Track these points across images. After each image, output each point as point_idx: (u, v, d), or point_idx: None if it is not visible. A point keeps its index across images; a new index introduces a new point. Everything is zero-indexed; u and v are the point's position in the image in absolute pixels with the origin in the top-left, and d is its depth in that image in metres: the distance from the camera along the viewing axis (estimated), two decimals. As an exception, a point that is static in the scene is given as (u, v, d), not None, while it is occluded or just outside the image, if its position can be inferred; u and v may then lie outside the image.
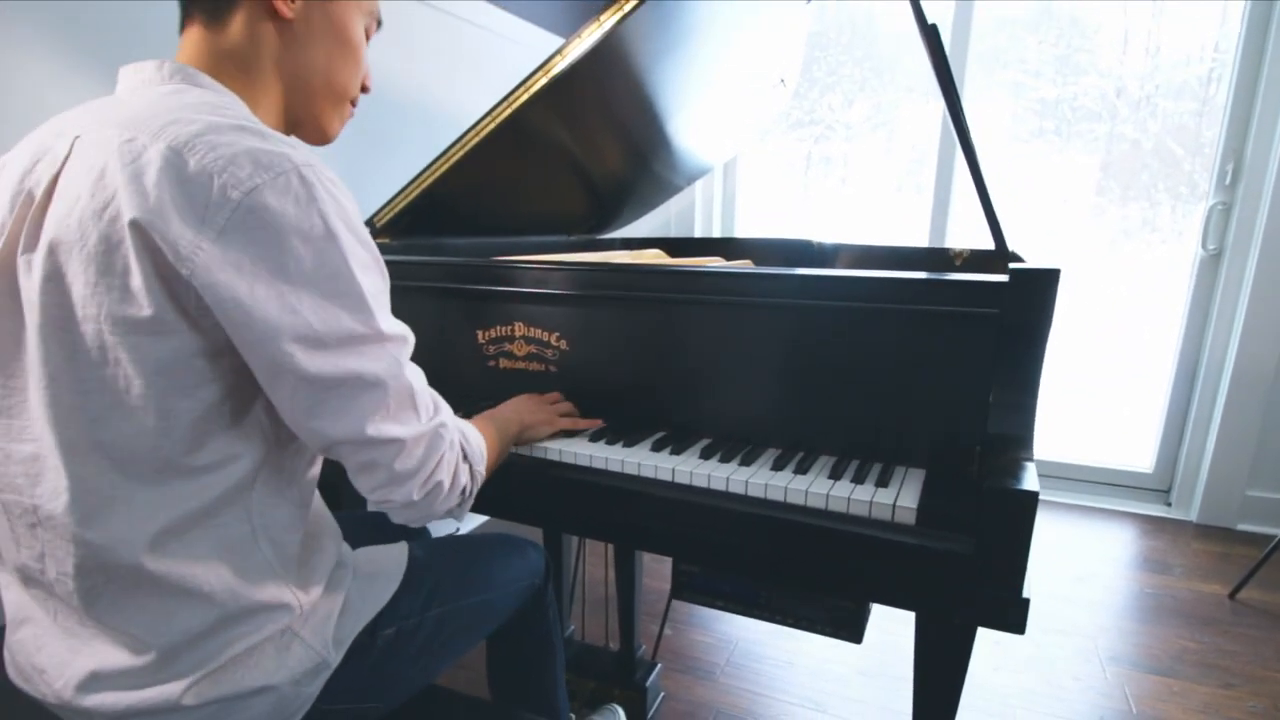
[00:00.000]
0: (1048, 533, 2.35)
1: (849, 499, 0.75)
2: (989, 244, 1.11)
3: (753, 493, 0.80)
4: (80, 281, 0.53)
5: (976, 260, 1.33)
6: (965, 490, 0.76)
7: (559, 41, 2.55)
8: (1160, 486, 2.54)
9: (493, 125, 1.30)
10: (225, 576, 0.60)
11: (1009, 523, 0.67)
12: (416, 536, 0.98)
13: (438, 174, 1.36)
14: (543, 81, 1.24)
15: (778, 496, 0.79)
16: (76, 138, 0.57)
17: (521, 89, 1.27)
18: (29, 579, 0.62)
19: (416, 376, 0.64)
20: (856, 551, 0.75)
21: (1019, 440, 0.75)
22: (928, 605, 0.75)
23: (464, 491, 0.70)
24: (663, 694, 1.50)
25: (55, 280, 0.54)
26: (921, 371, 0.82)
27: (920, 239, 2.71)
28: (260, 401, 0.61)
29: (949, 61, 1.04)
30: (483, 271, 1.06)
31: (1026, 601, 0.69)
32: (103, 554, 0.57)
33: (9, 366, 0.59)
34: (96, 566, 0.57)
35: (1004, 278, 0.76)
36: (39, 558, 0.59)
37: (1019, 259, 1.07)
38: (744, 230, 3.05)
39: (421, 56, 1.93)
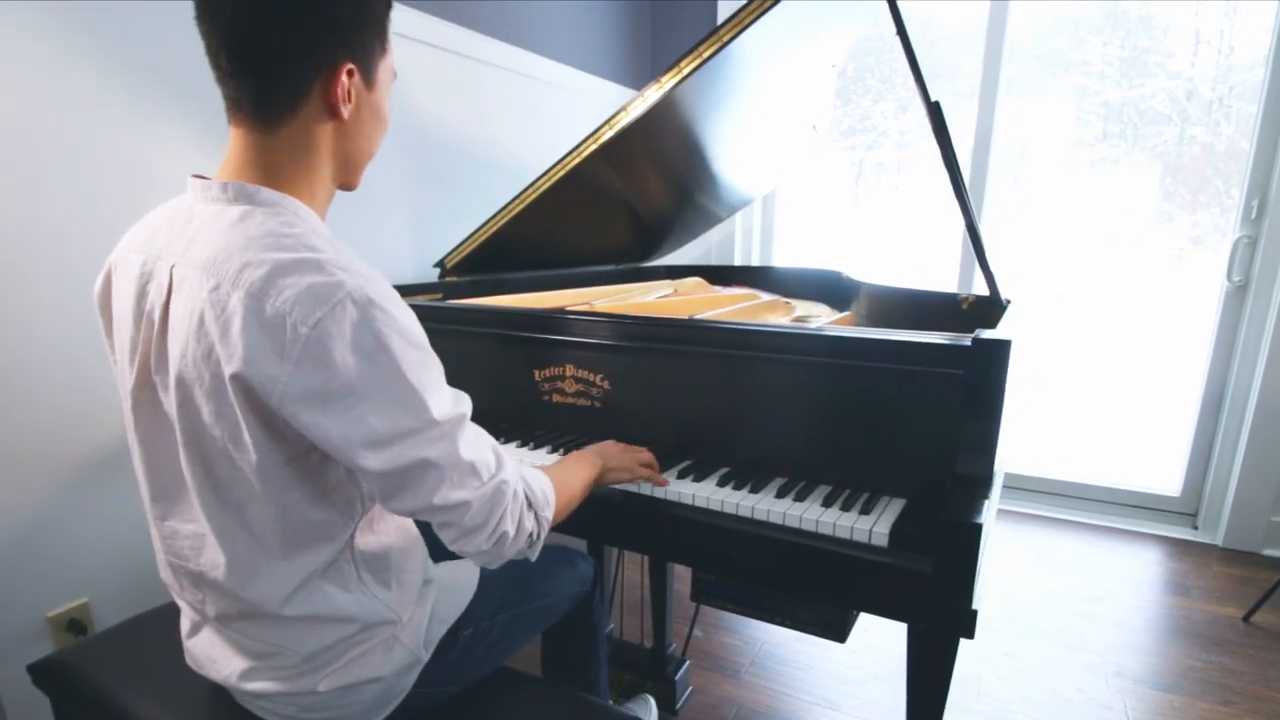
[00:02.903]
0: (1073, 552, 2.43)
1: (834, 523, 0.92)
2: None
3: (758, 516, 0.97)
4: (206, 410, 0.68)
5: (980, 306, 1.46)
6: (932, 520, 0.91)
7: (611, 86, 2.75)
8: (1187, 510, 2.60)
9: (549, 183, 1.50)
10: (344, 606, 0.77)
11: (958, 548, 0.82)
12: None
13: (502, 222, 1.58)
14: (592, 148, 1.44)
15: (777, 520, 0.96)
16: (173, 267, 0.69)
17: (574, 154, 1.46)
18: (190, 606, 0.83)
19: (476, 441, 0.73)
20: (841, 567, 0.92)
21: (981, 480, 0.90)
22: (898, 613, 0.91)
23: (531, 536, 0.79)
24: (691, 688, 1.67)
25: (187, 407, 0.69)
26: (901, 418, 0.97)
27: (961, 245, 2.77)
28: (350, 479, 0.76)
29: (950, 136, 1.19)
30: (540, 321, 1.25)
31: (975, 612, 0.84)
32: (252, 606, 0.75)
33: (166, 464, 0.75)
34: (248, 613, 0.76)
35: (967, 341, 0.92)
36: (200, 602, 0.79)
37: (1001, 308, 1.22)
38: (784, 252, 3.18)
39: (488, 111, 2.14)
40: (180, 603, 0.86)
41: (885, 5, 1.19)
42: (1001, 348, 0.89)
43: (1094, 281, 2.78)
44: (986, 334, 0.91)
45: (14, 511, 1.26)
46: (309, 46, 0.68)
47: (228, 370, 0.64)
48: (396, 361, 0.65)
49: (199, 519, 0.74)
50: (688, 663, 1.63)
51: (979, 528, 0.81)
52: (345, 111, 0.73)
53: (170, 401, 0.70)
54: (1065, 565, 2.34)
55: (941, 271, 2.88)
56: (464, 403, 0.74)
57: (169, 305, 0.69)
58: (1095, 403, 2.89)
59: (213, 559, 0.74)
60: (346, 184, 0.82)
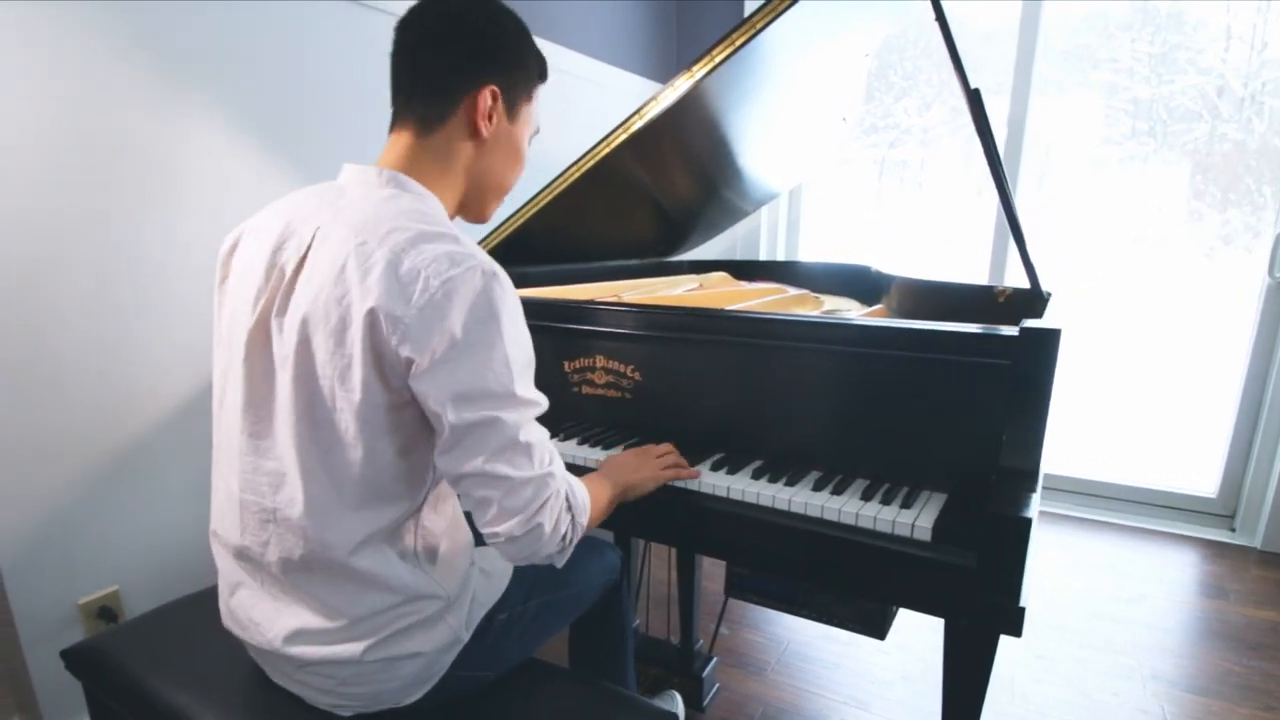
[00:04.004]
0: (1107, 554, 2.39)
1: (875, 517, 0.89)
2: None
3: (794, 509, 0.95)
4: (323, 349, 0.72)
5: (1018, 299, 1.43)
6: (976, 514, 0.88)
7: (637, 80, 2.73)
8: (1224, 511, 2.54)
9: (578, 174, 1.49)
10: (399, 575, 0.79)
11: (1006, 543, 0.80)
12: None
13: (528, 215, 1.56)
14: (622, 138, 1.42)
15: (815, 513, 0.93)
16: (318, 228, 0.76)
17: (603, 144, 1.45)
18: (242, 556, 0.83)
19: (540, 435, 0.77)
20: (881, 562, 0.89)
21: (1027, 473, 0.88)
22: (941, 609, 0.89)
23: (564, 538, 0.79)
24: (717, 685, 1.65)
25: (305, 345, 0.73)
26: (944, 410, 0.95)
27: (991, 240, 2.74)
28: (429, 444, 0.78)
29: (990, 124, 1.15)
30: (570, 311, 1.24)
31: (1022, 610, 0.82)
32: (321, 549, 0.75)
33: (262, 401, 0.78)
34: (314, 557, 0.76)
35: (1015, 331, 0.89)
36: (263, 544, 0.79)
37: (1044, 300, 1.19)
38: (809, 246, 3.15)
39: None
40: (229, 561, 0.85)
41: (926, -10, 1.16)
42: (1050, 337, 0.86)
43: (1122, 279, 2.72)
44: (1034, 323, 0.88)
45: (45, 500, 1.27)
46: (465, 65, 0.82)
47: (362, 307, 0.70)
48: (501, 332, 0.72)
49: (284, 457, 0.76)
50: (715, 659, 1.62)
51: (1028, 522, 0.79)
52: (485, 129, 0.84)
53: (286, 342, 0.75)
54: (1099, 567, 2.29)
55: (967, 269, 2.84)
56: (543, 399, 0.79)
57: (305, 259, 0.76)
58: (1128, 402, 2.83)
59: (291, 495, 0.76)
60: (474, 209, 0.92)
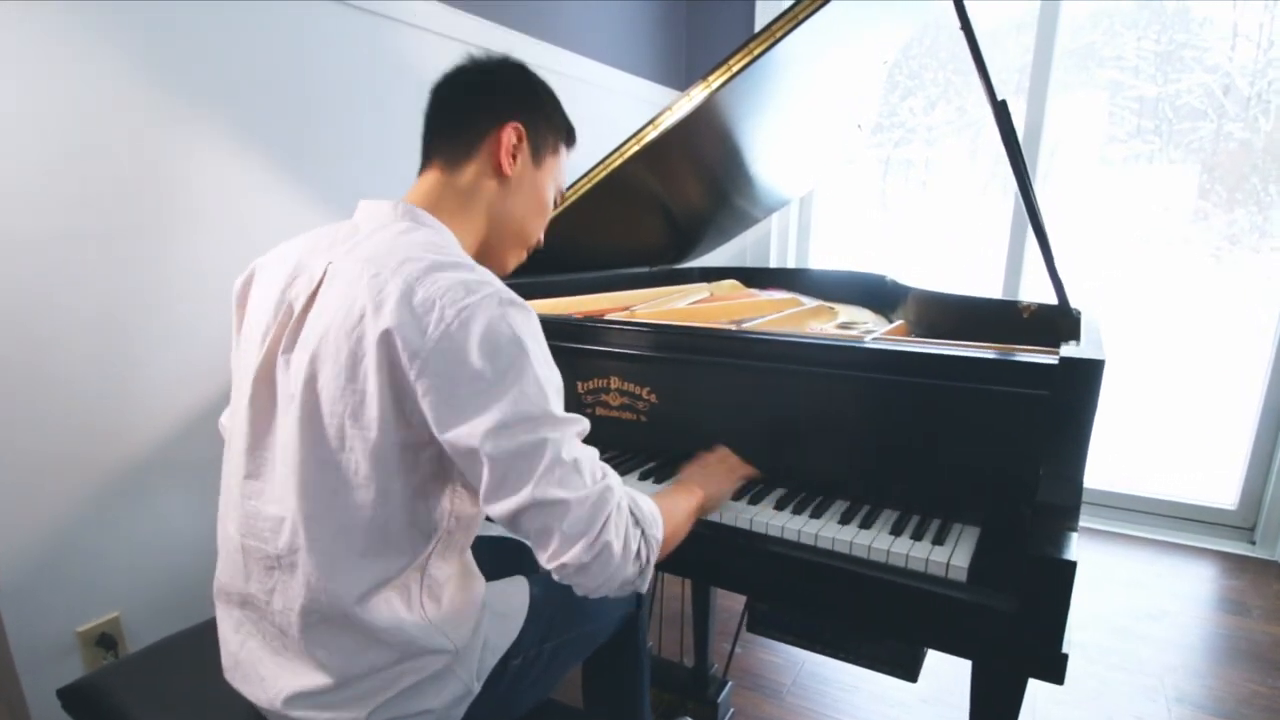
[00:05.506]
0: (1123, 568, 2.34)
1: (907, 555, 0.85)
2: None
3: (820, 544, 0.91)
4: (331, 385, 0.70)
5: (1043, 316, 1.38)
6: (1014, 553, 0.84)
7: (646, 84, 2.69)
8: (1244, 524, 2.49)
9: (590, 185, 1.45)
10: (403, 627, 0.75)
11: (1049, 587, 0.76)
12: (534, 569, 1.12)
13: (538, 226, 1.52)
14: (635, 149, 1.38)
15: (843, 549, 0.89)
16: (330, 263, 0.75)
17: (616, 155, 1.41)
18: (247, 605, 0.79)
19: (586, 452, 0.72)
20: (912, 601, 0.85)
21: (1066, 510, 0.83)
22: (976, 653, 0.84)
23: (639, 557, 0.73)
24: (732, 710, 1.61)
25: (312, 382, 0.71)
26: (978, 441, 0.91)
27: (1003, 245, 2.71)
28: (451, 487, 0.77)
29: (1017, 135, 1.11)
30: (583, 331, 1.20)
31: (1065, 656, 0.77)
32: (324, 599, 0.72)
33: (262, 440, 0.76)
34: (316, 607, 0.73)
35: (1054, 360, 0.85)
36: (268, 592, 0.76)
37: (1073, 318, 1.14)
38: (819, 253, 3.11)
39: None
40: (236, 613, 0.82)
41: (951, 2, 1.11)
42: (1093, 369, 0.82)
43: (1128, 279, 2.69)
44: (1075, 353, 0.84)
45: (44, 523, 1.23)
46: (491, 102, 0.86)
47: (376, 334, 0.67)
48: (528, 356, 0.69)
49: (285, 499, 0.73)
50: (730, 684, 1.58)
51: (1073, 565, 0.74)
52: (508, 166, 0.85)
53: (293, 380, 0.73)
54: (1116, 581, 2.25)
55: (976, 270, 2.82)
56: (583, 419, 0.75)
57: (315, 294, 0.75)
58: (1140, 408, 2.77)
59: (294, 541, 0.73)
60: (495, 256, 0.91)
